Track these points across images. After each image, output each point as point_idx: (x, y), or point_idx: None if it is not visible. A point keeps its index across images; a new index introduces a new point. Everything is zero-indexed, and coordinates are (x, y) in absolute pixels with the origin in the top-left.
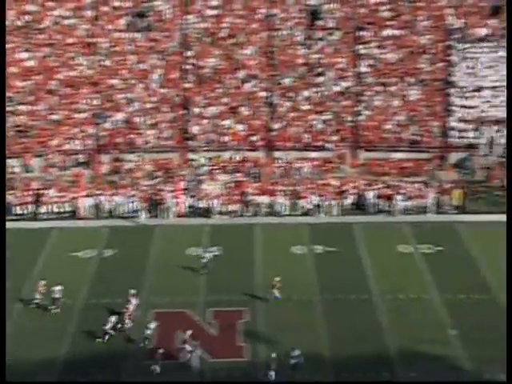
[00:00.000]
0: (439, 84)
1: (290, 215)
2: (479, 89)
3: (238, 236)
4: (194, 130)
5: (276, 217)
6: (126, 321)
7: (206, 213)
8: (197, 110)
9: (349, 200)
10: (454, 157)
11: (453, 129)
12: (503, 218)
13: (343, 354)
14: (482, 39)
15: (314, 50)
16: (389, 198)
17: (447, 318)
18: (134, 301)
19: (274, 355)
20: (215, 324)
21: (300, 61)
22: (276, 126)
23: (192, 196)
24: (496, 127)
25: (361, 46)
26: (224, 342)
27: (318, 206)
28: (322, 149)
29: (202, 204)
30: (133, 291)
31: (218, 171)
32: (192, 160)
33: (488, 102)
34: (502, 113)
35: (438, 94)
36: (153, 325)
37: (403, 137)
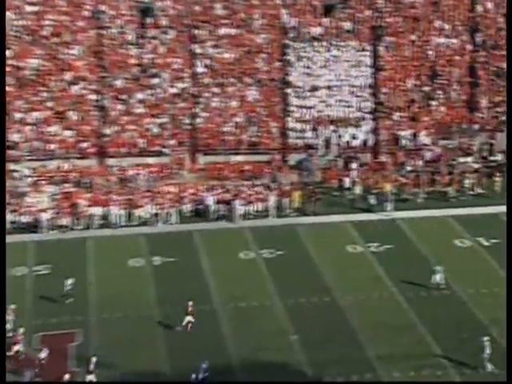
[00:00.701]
0: (276, 84)
1: (126, 226)
2: (315, 88)
3: (69, 252)
4: (15, 137)
5: (111, 229)
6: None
7: (33, 228)
8: (18, 116)
9: (188, 207)
10: (293, 158)
11: (291, 129)
12: (343, 218)
13: (183, 366)
14: (315, 38)
15: (146, 50)
16: (228, 203)
17: (289, 324)
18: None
19: None
20: (44, 349)
21: (132, 61)
22: (108, 131)
23: (13, 211)
24: (332, 127)
25: (196, 46)
26: (54, 368)
27: (156, 214)
28: (158, 154)
29: (26, 219)
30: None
31: (43, 182)
32: (13, 171)
33: (323, 101)
34: (337, 112)
35: (275, 94)
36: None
37: (242, 139)
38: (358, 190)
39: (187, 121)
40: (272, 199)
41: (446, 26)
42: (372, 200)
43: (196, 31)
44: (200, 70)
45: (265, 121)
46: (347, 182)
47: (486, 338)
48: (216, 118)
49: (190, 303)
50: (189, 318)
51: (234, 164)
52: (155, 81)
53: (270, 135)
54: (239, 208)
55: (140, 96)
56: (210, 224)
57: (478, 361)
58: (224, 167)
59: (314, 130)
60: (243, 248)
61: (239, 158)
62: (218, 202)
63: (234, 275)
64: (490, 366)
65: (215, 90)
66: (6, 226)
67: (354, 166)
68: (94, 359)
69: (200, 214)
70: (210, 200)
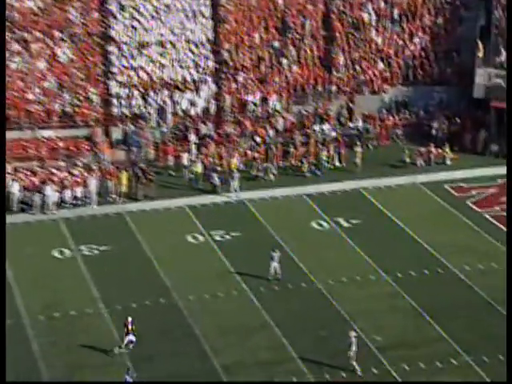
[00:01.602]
0: (95, 40)
1: None
2: (143, 45)
3: None
4: None
5: None
6: None
7: None
8: None
9: None
10: (118, 131)
11: (115, 96)
12: (181, 202)
13: None
14: None
15: None
16: (37, 189)
17: (116, 334)
18: None
19: None
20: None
21: None
22: None
23: None
24: (166, 92)
25: None
26: None
27: None
28: None
29: None
30: None
31: None
32: None
33: (154, 61)
34: (171, 74)
35: (94, 52)
36: None
37: (53, 109)
38: (198, 167)
39: None
40: (93, 183)
41: None
42: (215, 179)
43: None
44: None
45: (81, 86)
46: (185, 158)
47: (353, 334)
48: (18, 83)
49: (130, 319)
50: (130, 338)
51: (44, 140)
52: None
53: (88, 104)
54: (51, 195)
55: None
56: (14, 217)
57: (342, 361)
58: (31, 145)
59: (144, 96)
60: (57, 244)
61: (50, 132)
62: (25, 188)
63: (45, 279)
64: (357, 367)
65: (16, 47)
66: (5, 226)
67: (193, 138)
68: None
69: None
70: (14, 187)
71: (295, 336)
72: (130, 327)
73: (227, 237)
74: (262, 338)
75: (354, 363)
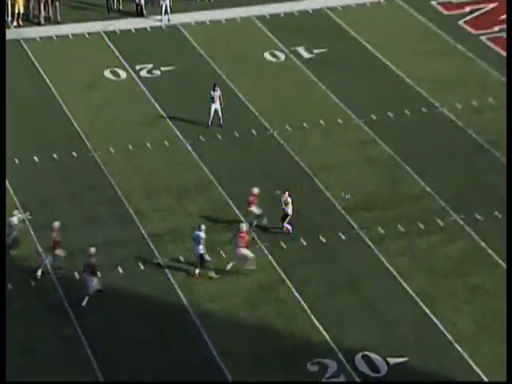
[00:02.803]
0: None
1: None
2: None
3: None
4: None
5: None
6: None
7: None
8: None
9: None
10: None
11: None
12: (95, 26)
13: None
14: None
15: None
16: None
17: None
18: None
19: None
20: None
21: None
22: None
23: None
24: None
25: None
26: None
27: None
28: None
29: None
30: None
31: None
32: None
33: None
34: None
35: None
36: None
37: None
38: None
39: None
40: None
41: None
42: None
43: None
44: None
45: None
46: None
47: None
48: None
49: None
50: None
51: None
52: None
53: None
54: None
55: None
56: None
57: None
58: None
59: None
60: None
61: None
62: None
63: None
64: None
65: None
66: (5, 226)
67: None
68: None
69: None
70: None
71: (242, 196)
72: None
73: (156, 72)
74: (202, 199)
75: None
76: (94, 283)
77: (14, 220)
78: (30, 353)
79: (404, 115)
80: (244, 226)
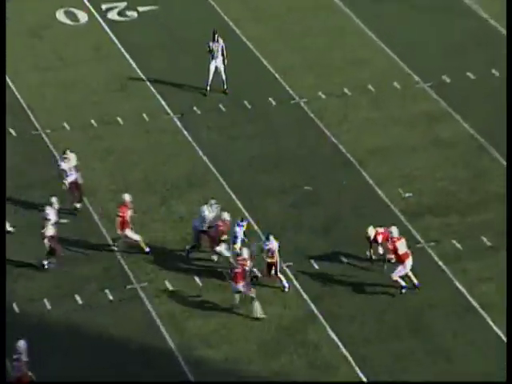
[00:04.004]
0: None
1: None
2: None
3: None
4: None
5: None
6: None
7: None
8: None
9: None
10: None
11: None
12: None
13: None
14: None
15: None
16: None
17: None
18: None
19: None
20: None
21: None
22: None
23: None
24: None
25: None
26: None
27: None
28: None
29: None
30: None
31: None
32: None
33: None
34: None
35: None
36: None
37: None
38: None
39: None
40: None
41: None
42: None
43: None
44: None
45: None
46: None
47: None
48: None
49: None
50: None
51: None
52: None
53: None
54: None
55: None
56: None
57: None
58: None
59: None
60: None
61: None
62: None
63: None
64: None
65: None
66: (5, 225)
67: None
68: None
69: None
70: None
71: (253, 193)
72: None
73: (131, 14)
74: (197, 197)
75: None
76: None
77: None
78: None
79: (491, 76)
80: (245, 252)
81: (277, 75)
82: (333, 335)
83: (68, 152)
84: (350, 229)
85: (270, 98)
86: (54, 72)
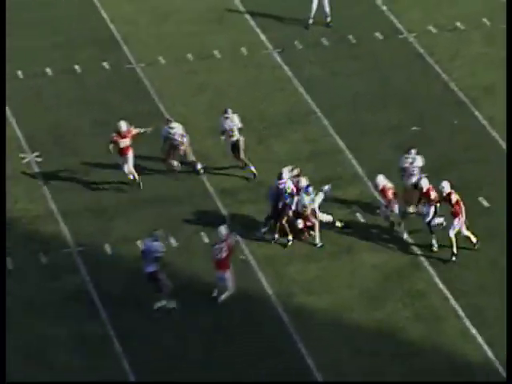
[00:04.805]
0: None
1: None
2: None
3: None
4: None
5: None
6: None
7: None
8: None
9: None
10: None
11: None
12: None
13: None
14: None
15: None
16: None
17: None
18: None
19: None
20: None
21: None
22: None
23: None
24: None
25: None
26: None
27: None
28: None
29: None
30: None
31: None
32: None
33: None
34: None
35: None
36: None
37: None
38: None
39: None
40: None
41: None
42: None
43: None
44: None
45: None
46: None
47: None
48: None
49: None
50: None
51: None
52: None
53: None
54: None
55: None
56: None
57: None
58: None
59: None
60: None
61: None
62: None
63: None
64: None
65: None
66: (5, 225)
67: None
68: None
69: None
70: None
71: (359, 134)
72: None
73: None
74: (298, 136)
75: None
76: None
77: None
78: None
79: None
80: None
81: (384, 8)
82: (440, 284)
83: (229, 111)
84: (461, 171)
85: (376, 33)
86: (149, 2)
